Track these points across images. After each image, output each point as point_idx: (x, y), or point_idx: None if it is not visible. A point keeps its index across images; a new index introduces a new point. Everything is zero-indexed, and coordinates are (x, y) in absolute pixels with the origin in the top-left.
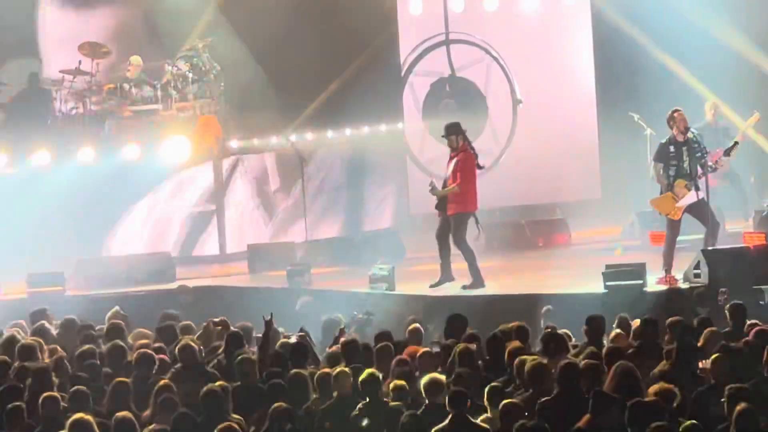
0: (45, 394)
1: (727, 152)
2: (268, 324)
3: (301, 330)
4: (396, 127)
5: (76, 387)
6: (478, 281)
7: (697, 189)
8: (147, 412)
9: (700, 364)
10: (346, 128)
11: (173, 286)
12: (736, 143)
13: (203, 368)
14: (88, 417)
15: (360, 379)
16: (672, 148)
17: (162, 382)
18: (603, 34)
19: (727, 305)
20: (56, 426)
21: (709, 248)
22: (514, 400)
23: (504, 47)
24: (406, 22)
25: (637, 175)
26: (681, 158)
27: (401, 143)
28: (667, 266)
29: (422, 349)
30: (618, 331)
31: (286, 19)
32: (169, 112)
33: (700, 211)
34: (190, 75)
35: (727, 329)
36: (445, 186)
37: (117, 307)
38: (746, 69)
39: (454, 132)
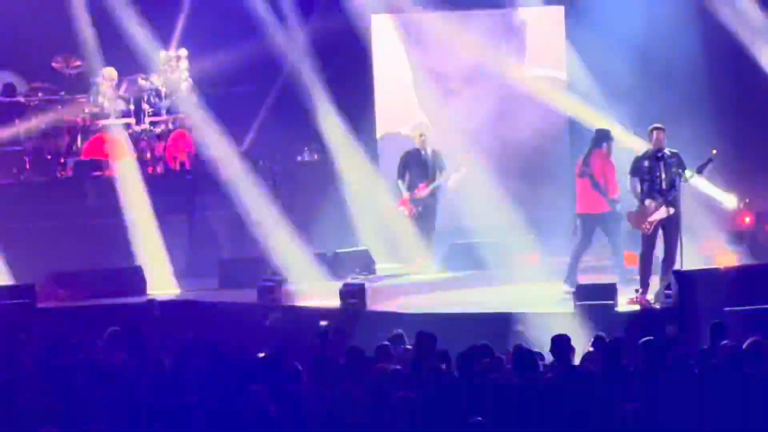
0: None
1: (700, 169)
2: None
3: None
4: (369, 140)
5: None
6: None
7: (670, 205)
8: None
9: None
10: (319, 143)
11: (144, 300)
12: (710, 160)
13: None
14: None
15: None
16: (646, 163)
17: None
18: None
19: (709, 324)
20: None
21: (681, 269)
22: (479, 418)
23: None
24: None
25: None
26: (654, 173)
27: (374, 155)
28: (643, 283)
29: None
30: (590, 350)
31: None
32: (142, 126)
33: (668, 227)
34: (163, 89)
35: (704, 347)
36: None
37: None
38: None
39: None
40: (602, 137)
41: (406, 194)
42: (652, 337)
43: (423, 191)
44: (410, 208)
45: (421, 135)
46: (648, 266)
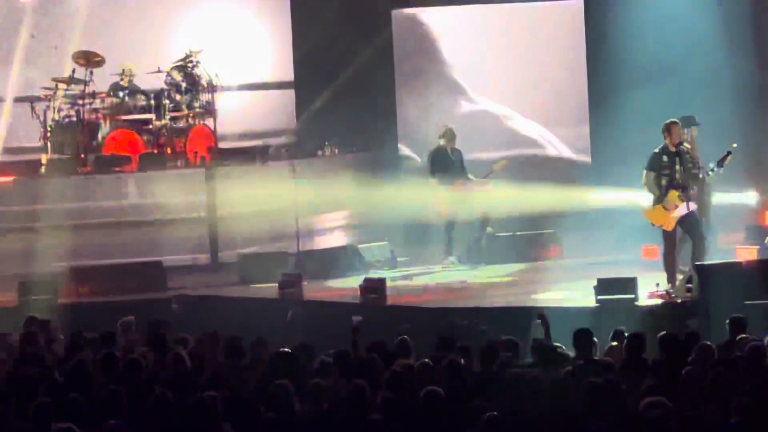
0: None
1: (720, 162)
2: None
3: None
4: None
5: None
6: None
7: (688, 200)
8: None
9: None
10: (340, 138)
11: (164, 295)
12: (729, 153)
13: (193, 379)
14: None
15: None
16: (665, 158)
17: (158, 392)
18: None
19: (727, 319)
20: None
21: (702, 263)
22: (495, 413)
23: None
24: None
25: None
26: (674, 168)
27: (396, 154)
28: (670, 277)
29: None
30: (613, 344)
31: None
32: (162, 121)
33: (689, 223)
34: (184, 84)
35: (724, 341)
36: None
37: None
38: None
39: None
40: (683, 124)
41: (443, 193)
42: (670, 332)
43: (462, 191)
44: (446, 207)
45: (451, 133)
46: (673, 260)
